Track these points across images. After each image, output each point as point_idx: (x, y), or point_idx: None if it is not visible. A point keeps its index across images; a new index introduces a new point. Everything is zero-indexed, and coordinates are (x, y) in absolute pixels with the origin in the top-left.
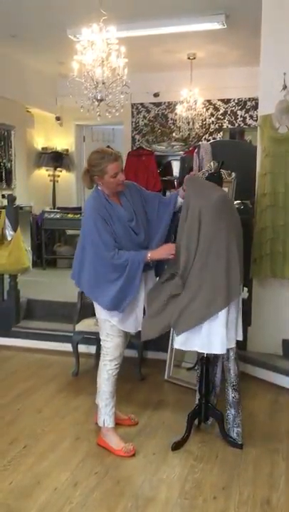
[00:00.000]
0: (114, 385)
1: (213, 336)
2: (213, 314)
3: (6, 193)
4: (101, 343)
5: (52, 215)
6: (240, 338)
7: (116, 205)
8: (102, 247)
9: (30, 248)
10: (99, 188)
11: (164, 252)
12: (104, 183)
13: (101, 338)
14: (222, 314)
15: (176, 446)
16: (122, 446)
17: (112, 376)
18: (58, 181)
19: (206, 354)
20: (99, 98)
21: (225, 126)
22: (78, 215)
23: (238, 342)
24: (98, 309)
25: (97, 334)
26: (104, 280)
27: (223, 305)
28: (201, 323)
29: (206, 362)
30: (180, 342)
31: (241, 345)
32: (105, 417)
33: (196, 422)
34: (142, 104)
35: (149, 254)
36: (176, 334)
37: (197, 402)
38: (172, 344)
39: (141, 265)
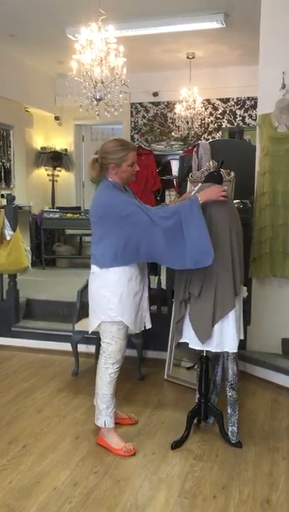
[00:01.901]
0: (115, 386)
1: (224, 335)
2: (226, 314)
3: (5, 192)
4: (104, 346)
5: (51, 215)
6: (242, 337)
7: (132, 196)
8: (140, 212)
9: (29, 248)
10: (110, 179)
11: (216, 191)
12: (119, 172)
13: (105, 341)
14: (232, 313)
15: (176, 445)
16: (122, 445)
17: (114, 379)
18: (57, 181)
19: (206, 353)
20: (98, 97)
21: (224, 126)
22: (77, 215)
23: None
24: (108, 310)
25: (97, 334)
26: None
27: (233, 304)
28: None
29: (206, 361)
30: (196, 343)
31: (241, 345)
32: (106, 418)
33: (195, 420)
34: (141, 103)
35: (198, 197)
36: (201, 342)
37: (197, 401)
38: (172, 343)
39: (194, 206)
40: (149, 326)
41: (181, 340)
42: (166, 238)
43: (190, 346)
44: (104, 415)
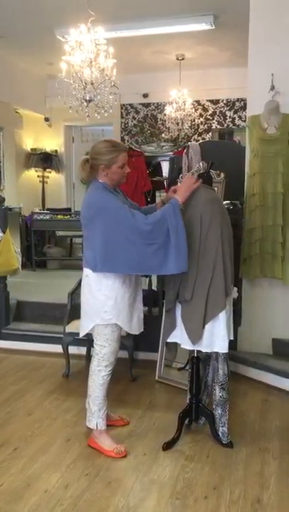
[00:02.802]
0: (107, 388)
1: (215, 336)
2: (217, 315)
3: None
4: (97, 348)
5: (41, 217)
6: (232, 338)
7: (122, 197)
8: (130, 217)
9: (19, 250)
10: (100, 180)
11: (189, 184)
12: (109, 174)
13: (98, 343)
14: (222, 314)
15: (167, 446)
16: (113, 447)
17: (107, 381)
18: (47, 182)
19: (197, 354)
20: (88, 99)
21: (214, 127)
22: (68, 216)
23: (229, 342)
24: (102, 313)
25: (88, 335)
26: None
27: (223, 305)
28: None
29: (197, 362)
30: (187, 343)
31: (232, 345)
32: (98, 420)
33: (187, 421)
34: (131, 104)
35: (178, 198)
36: (192, 343)
37: (188, 401)
38: (163, 345)
39: (176, 210)
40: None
41: (171, 341)
42: (151, 245)
43: (181, 346)
44: (96, 417)
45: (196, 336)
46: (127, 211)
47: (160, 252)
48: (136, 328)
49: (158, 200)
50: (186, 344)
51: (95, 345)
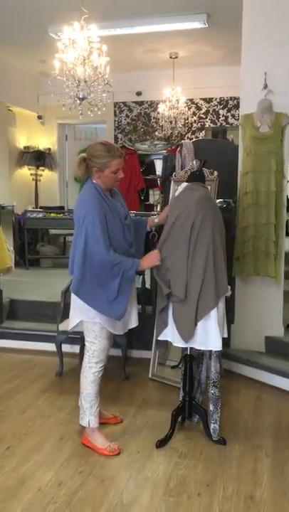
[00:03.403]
0: (99, 386)
1: (208, 334)
2: (207, 313)
3: None
4: (87, 345)
5: (34, 215)
6: (225, 335)
7: (114, 201)
8: (101, 242)
9: (12, 248)
10: (94, 181)
11: (153, 259)
12: (102, 177)
13: (88, 340)
14: (213, 312)
15: (161, 443)
16: (106, 445)
17: (98, 378)
18: (40, 180)
19: (190, 351)
20: (81, 97)
21: (207, 125)
22: (61, 214)
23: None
24: (86, 311)
25: (81, 333)
26: (101, 282)
27: (214, 302)
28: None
29: (190, 359)
30: (179, 341)
31: (225, 343)
32: (90, 417)
33: (180, 419)
34: (124, 103)
35: (141, 263)
36: (185, 342)
37: (181, 399)
38: (156, 343)
39: (133, 270)
40: (135, 324)
41: (163, 339)
42: (99, 276)
43: (174, 344)
44: (88, 415)
45: (187, 333)
46: (101, 236)
47: (101, 284)
48: (120, 328)
49: (151, 199)
50: (178, 342)
51: (85, 342)
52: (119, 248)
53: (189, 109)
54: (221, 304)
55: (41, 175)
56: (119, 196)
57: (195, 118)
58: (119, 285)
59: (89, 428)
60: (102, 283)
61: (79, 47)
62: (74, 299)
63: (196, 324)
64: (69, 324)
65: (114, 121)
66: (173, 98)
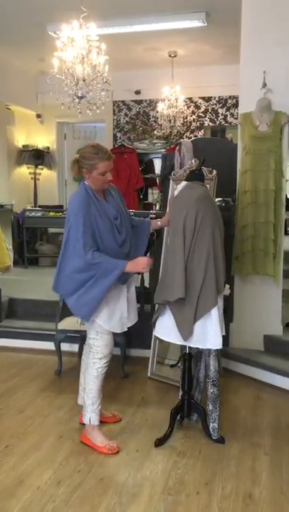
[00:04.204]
0: (102, 383)
1: (207, 332)
2: (208, 311)
3: None
4: (90, 341)
5: (33, 214)
6: (223, 333)
7: (103, 202)
8: (80, 243)
9: (11, 247)
10: (86, 182)
11: (139, 265)
12: (91, 178)
13: (90, 336)
14: (214, 311)
15: (160, 442)
16: (105, 443)
17: (101, 374)
18: (39, 179)
19: (189, 350)
20: (80, 95)
21: (206, 124)
22: (60, 213)
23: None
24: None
25: (80, 332)
26: (76, 280)
27: (215, 301)
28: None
29: (189, 358)
30: (178, 339)
31: (224, 342)
32: (91, 414)
33: (179, 417)
34: (123, 101)
35: (127, 266)
36: (184, 339)
37: (180, 398)
38: (155, 341)
39: (115, 272)
40: (135, 320)
41: (161, 337)
42: (73, 275)
43: (173, 342)
44: (89, 411)
45: (186, 331)
46: (82, 238)
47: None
48: (117, 326)
49: (150, 198)
50: (177, 340)
51: (88, 339)
52: (107, 248)
53: (188, 107)
54: (220, 303)
55: (40, 174)
56: (113, 196)
57: (194, 117)
58: (93, 283)
59: (89, 426)
60: (76, 281)
61: (78, 45)
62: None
63: (195, 322)
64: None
65: (113, 120)
66: (172, 97)
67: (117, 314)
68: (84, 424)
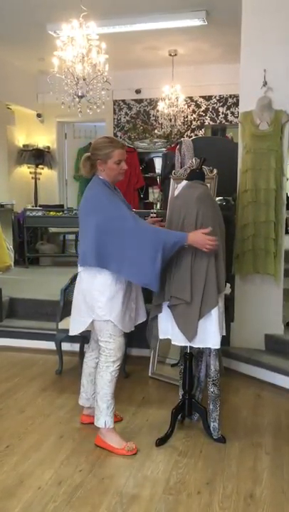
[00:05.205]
0: (115, 385)
1: (207, 332)
2: (209, 312)
3: None
4: (103, 345)
5: (34, 213)
6: (224, 333)
7: (120, 194)
8: (129, 218)
9: (12, 246)
10: (100, 177)
11: (203, 240)
12: (106, 169)
13: (103, 340)
14: (214, 310)
15: (160, 442)
16: (124, 445)
17: (115, 378)
18: (39, 179)
19: (190, 350)
20: (80, 95)
21: (207, 123)
22: (60, 213)
23: (221, 338)
24: (97, 309)
25: (82, 332)
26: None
27: (216, 301)
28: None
29: (190, 358)
30: (179, 339)
31: (224, 341)
32: (106, 418)
33: (180, 417)
34: (123, 100)
35: (189, 238)
36: (189, 341)
37: (181, 397)
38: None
39: (176, 246)
40: (143, 318)
41: (163, 337)
42: (140, 250)
43: (173, 343)
44: (104, 415)
45: (191, 333)
46: (126, 210)
47: (143, 259)
48: (128, 326)
49: (151, 197)
50: (178, 340)
51: (100, 343)
52: None
53: (189, 106)
54: (221, 302)
55: (40, 173)
56: (120, 194)
57: (194, 116)
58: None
59: (104, 428)
60: (134, 250)
61: (78, 45)
62: (83, 298)
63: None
64: (75, 327)
65: (114, 119)
66: (172, 96)
67: (127, 314)
68: (84, 424)
